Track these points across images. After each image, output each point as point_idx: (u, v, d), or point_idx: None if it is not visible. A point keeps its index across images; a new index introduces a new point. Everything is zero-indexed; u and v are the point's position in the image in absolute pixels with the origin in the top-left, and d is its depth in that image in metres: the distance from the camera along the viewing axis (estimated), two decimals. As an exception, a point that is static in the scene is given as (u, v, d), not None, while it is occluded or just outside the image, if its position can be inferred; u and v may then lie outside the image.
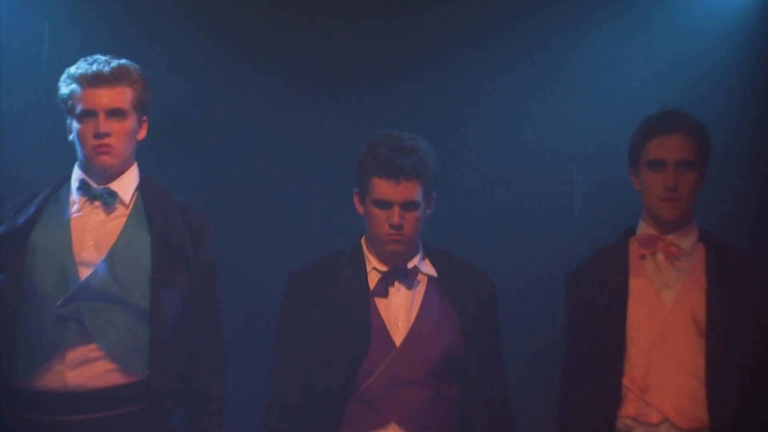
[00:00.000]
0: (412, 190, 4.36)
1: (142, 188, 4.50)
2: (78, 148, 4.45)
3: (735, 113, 5.62)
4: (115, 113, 4.40)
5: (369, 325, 4.36)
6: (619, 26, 5.79)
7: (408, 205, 4.37)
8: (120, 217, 4.44)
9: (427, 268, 4.49)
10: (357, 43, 5.74)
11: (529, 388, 4.94)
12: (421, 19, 5.76)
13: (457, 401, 4.41)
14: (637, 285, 4.49)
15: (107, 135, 4.39)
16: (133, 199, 4.48)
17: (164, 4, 5.65)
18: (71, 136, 4.46)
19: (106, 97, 4.40)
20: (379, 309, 4.40)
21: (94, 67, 4.41)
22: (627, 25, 5.80)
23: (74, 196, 4.46)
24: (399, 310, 4.41)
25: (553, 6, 5.80)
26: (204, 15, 5.68)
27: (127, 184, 4.47)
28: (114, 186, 4.45)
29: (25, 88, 5.43)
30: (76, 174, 4.48)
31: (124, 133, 4.42)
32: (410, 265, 4.45)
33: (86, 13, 5.55)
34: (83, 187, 4.44)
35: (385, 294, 4.42)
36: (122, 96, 4.42)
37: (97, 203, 4.44)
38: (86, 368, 4.29)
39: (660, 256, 4.52)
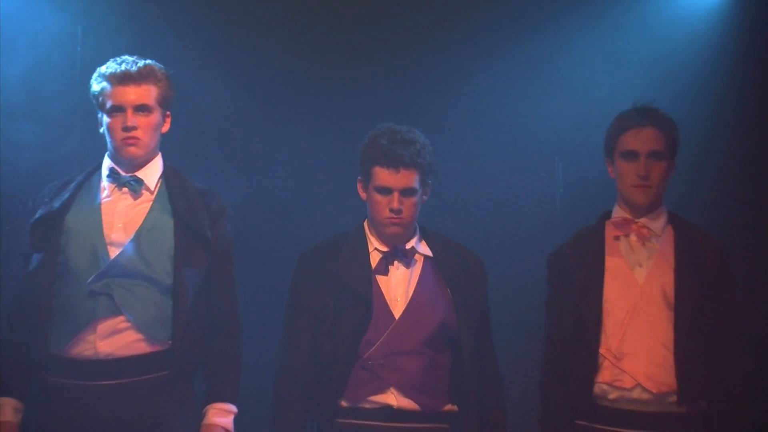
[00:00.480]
0: (410, 178, 4.39)
1: (165, 176, 4.53)
2: (108, 139, 4.47)
3: (701, 108, 5.65)
4: (142, 108, 4.43)
5: (371, 299, 4.39)
6: (597, 29, 5.86)
7: (406, 192, 4.40)
8: (146, 202, 4.47)
9: (424, 248, 4.51)
10: (360, 50, 5.80)
11: (515, 357, 4.96)
12: (414, 26, 5.81)
13: (450, 368, 4.44)
14: (612, 263, 4.51)
15: (134, 128, 4.42)
16: (158, 186, 4.51)
17: (187, 11, 5.66)
18: (102, 129, 4.48)
19: (133, 94, 4.42)
20: (380, 285, 4.43)
21: (123, 66, 4.44)
22: (604, 28, 5.85)
23: (104, 183, 4.49)
24: (398, 286, 4.44)
25: (537, 11, 5.82)
26: (226, 22, 5.74)
27: (152, 173, 4.50)
28: (140, 174, 4.48)
29: (61, 86, 5.45)
30: (106, 163, 4.50)
31: (150, 127, 4.45)
32: (408, 245, 4.48)
33: (115, 18, 5.56)
34: (113, 174, 4.47)
35: (385, 272, 4.45)
36: (148, 93, 4.44)
37: (125, 189, 4.47)
38: (115, 338, 4.32)
39: (633, 237, 4.54)
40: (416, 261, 4.49)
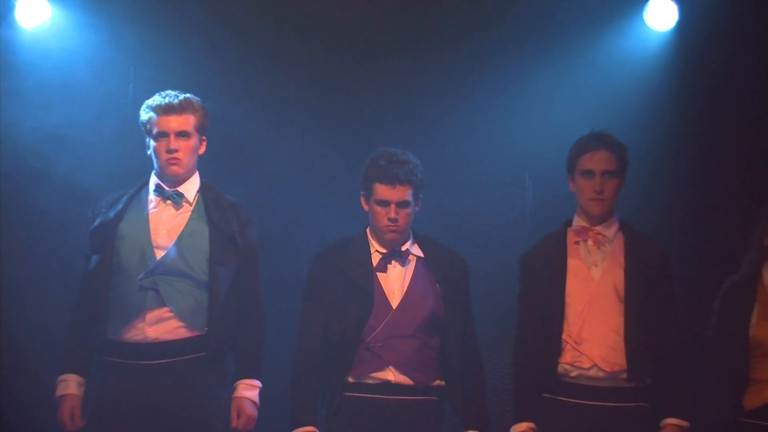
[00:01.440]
0: (405, 193, 4.41)
1: (202, 190, 4.55)
2: (154, 160, 4.51)
3: (646, 134, 5.62)
4: (182, 134, 4.46)
5: (372, 292, 4.41)
6: (559, 67, 5.77)
7: (402, 204, 4.41)
8: (186, 212, 4.50)
9: (416, 250, 4.52)
10: (362, 85, 5.73)
11: (492, 341, 4.92)
12: (407, 65, 5.64)
13: (439, 350, 4.45)
14: (573, 264, 4.52)
15: (176, 151, 4.46)
16: (196, 199, 4.53)
17: (219, 54, 5.62)
18: (149, 151, 4.52)
19: (175, 122, 4.46)
20: (380, 281, 4.45)
21: (166, 99, 4.47)
22: (566, 66, 5.77)
23: (151, 196, 4.53)
24: (395, 281, 4.46)
25: (510, 50, 5.76)
26: (251, 61, 5.63)
27: (191, 188, 4.54)
28: (181, 189, 4.52)
29: (116, 116, 5.45)
30: (153, 180, 4.54)
31: (189, 149, 4.49)
32: (403, 248, 4.49)
33: (160, 60, 5.54)
34: (158, 189, 4.51)
35: (384, 269, 4.47)
36: (187, 121, 4.47)
37: (168, 202, 4.50)
38: (161, 325, 4.38)
39: (590, 242, 4.54)
40: (410, 261, 4.50)
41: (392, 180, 4.40)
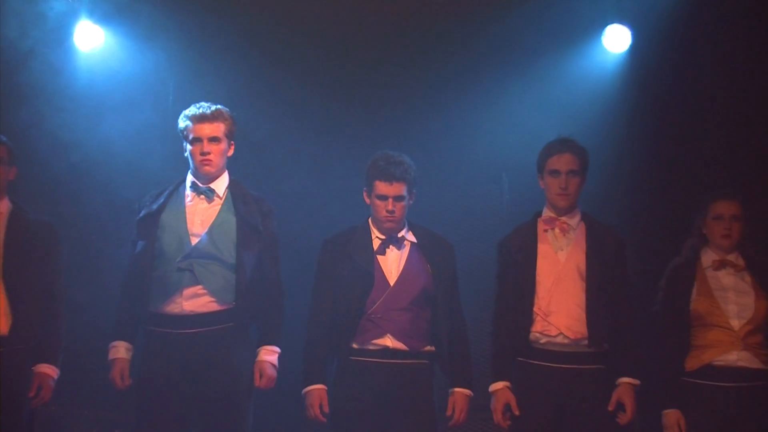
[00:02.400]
0: (400, 189, 4.44)
1: (231, 187, 4.55)
2: (190, 161, 4.53)
3: (605, 139, 5.59)
4: (214, 139, 4.47)
5: (373, 272, 4.43)
6: (530, 83, 5.74)
7: (398, 198, 4.44)
8: (217, 205, 4.50)
9: (411, 236, 4.54)
10: (363, 92, 5.74)
11: (474, 313, 4.88)
12: (403, 78, 5.73)
13: (430, 320, 4.48)
14: (542, 248, 4.52)
15: (209, 153, 4.46)
16: (225, 194, 4.52)
17: (246, 71, 5.63)
18: (186, 154, 4.53)
19: (208, 129, 4.46)
20: (380, 262, 4.46)
21: (200, 110, 4.48)
22: (535, 82, 5.74)
23: (188, 191, 4.53)
24: (392, 263, 4.47)
25: (489, 66, 5.74)
26: (274, 76, 5.66)
27: (221, 184, 4.54)
28: (213, 185, 4.52)
29: (158, 125, 5.46)
30: (189, 178, 4.55)
31: (220, 152, 4.49)
32: (400, 235, 4.51)
33: (196, 76, 5.57)
34: (193, 186, 4.52)
35: (383, 253, 4.48)
36: (218, 128, 4.47)
37: (202, 196, 4.50)
38: (195, 300, 4.39)
39: (557, 230, 4.54)
40: (405, 245, 4.51)
41: (390, 178, 4.42)
